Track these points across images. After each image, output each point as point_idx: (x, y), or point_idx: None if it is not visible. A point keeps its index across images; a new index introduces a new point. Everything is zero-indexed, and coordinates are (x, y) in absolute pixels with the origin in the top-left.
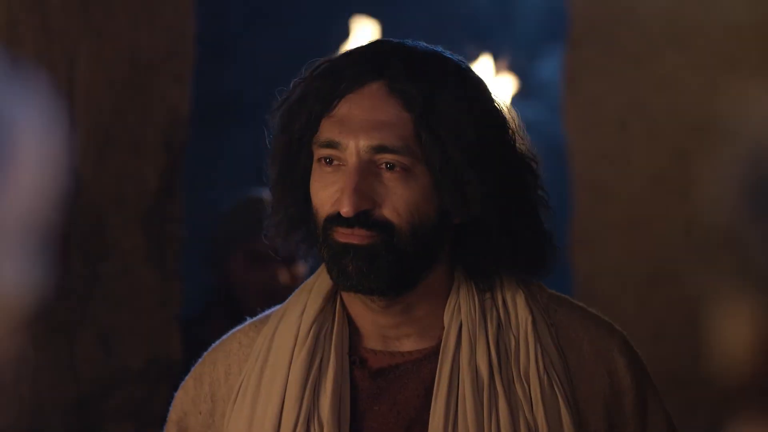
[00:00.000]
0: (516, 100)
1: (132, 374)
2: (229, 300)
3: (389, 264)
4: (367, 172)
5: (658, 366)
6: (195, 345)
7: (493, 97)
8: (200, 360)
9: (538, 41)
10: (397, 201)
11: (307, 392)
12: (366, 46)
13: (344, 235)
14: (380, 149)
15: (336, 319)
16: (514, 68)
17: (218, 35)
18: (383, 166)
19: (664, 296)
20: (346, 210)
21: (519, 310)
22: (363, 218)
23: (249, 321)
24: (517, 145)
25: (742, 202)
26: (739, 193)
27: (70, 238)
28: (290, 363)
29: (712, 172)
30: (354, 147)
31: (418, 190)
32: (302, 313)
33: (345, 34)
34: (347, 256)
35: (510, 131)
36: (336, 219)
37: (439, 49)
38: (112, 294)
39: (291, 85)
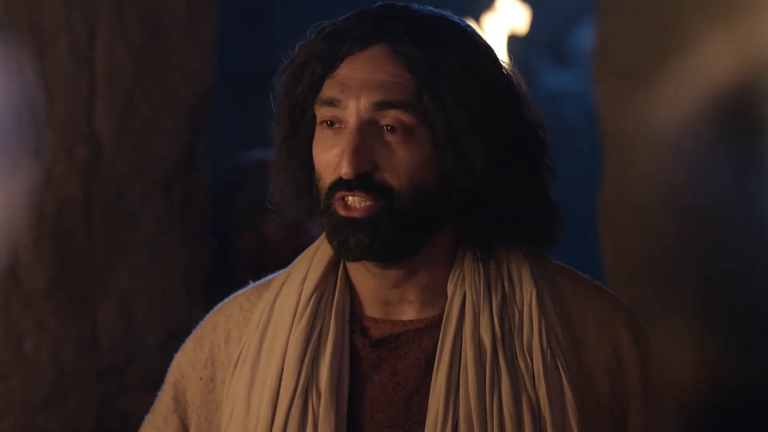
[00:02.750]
0: (553, 69)
1: (154, 345)
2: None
3: (391, 232)
4: (368, 133)
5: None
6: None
7: (501, 63)
8: (201, 323)
9: (574, 11)
10: (398, 164)
11: (306, 361)
12: (370, 9)
13: (345, 207)
14: (382, 105)
15: (338, 286)
16: (550, 38)
17: (252, 5)
18: (384, 128)
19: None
20: (345, 171)
21: (524, 282)
22: (363, 181)
23: (251, 285)
24: (525, 112)
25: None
26: None
27: (91, 207)
28: (290, 331)
29: None
30: (354, 106)
31: (420, 154)
32: (304, 280)
33: (375, 2)
34: (349, 229)
35: (517, 98)
36: (338, 184)
37: (447, 13)
38: (134, 264)
39: (296, 49)
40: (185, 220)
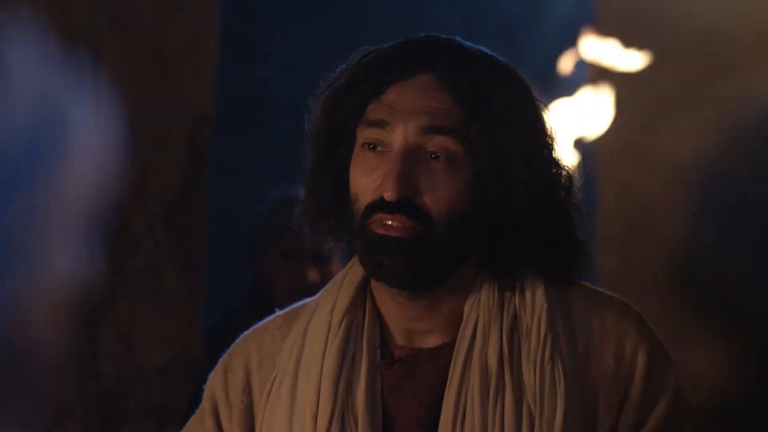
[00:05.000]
0: (543, 99)
1: (153, 371)
2: (262, 298)
3: (425, 258)
4: (413, 158)
5: (682, 372)
6: (227, 342)
7: (536, 100)
8: (229, 350)
9: (565, 41)
10: (439, 191)
11: (341, 387)
12: (416, 38)
13: (383, 226)
14: (430, 129)
15: (367, 313)
16: (541, 68)
17: (245, 33)
18: (429, 155)
19: (691, 300)
20: (389, 194)
21: (537, 297)
22: (405, 205)
23: (279, 313)
24: (555, 148)
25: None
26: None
27: (93, 234)
28: (323, 358)
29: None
30: (402, 129)
31: (461, 182)
32: (333, 308)
33: (372, 33)
34: (384, 249)
35: (550, 134)
36: (378, 205)
37: (485, 48)
38: (135, 290)
39: (337, 71)
40: (186, 248)
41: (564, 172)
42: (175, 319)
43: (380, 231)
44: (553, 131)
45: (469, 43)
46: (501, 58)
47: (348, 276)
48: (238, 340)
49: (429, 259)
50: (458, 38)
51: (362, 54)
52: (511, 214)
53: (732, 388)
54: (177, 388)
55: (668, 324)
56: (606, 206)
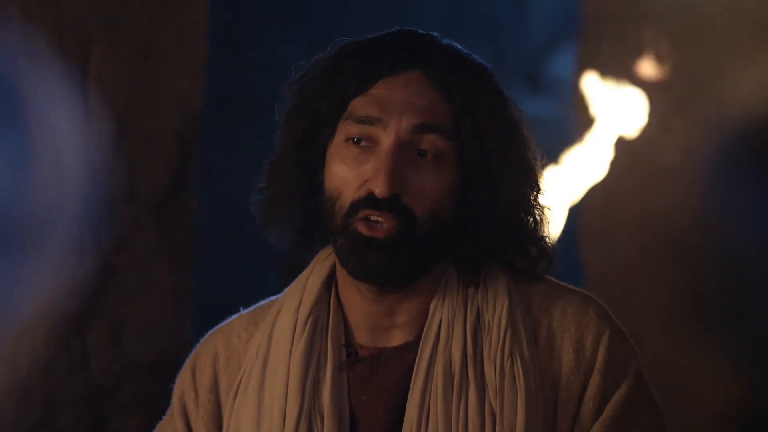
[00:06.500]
0: (530, 97)
1: (143, 367)
2: None
3: (407, 257)
4: (403, 155)
5: (667, 365)
6: None
7: (507, 97)
8: (195, 350)
9: (551, 38)
10: (424, 189)
11: (308, 387)
12: (397, 33)
13: (368, 227)
14: (423, 128)
15: (331, 312)
16: (527, 65)
17: (232, 29)
18: (416, 152)
19: (674, 294)
20: (380, 190)
21: (498, 294)
22: (392, 202)
23: (243, 312)
24: (527, 143)
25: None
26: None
27: (83, 231)
28: (290, 357)
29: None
30: (395, 126)
31: (447, 181)
32: (298, 307)
33: (358, 30)
34: (369, 248)
35: (522, 129)
36: (365, 202)
37: (457, 44)
38: (124, 286)
39: (313, 62)
40: (174, 244)
41: (533, 167)
42: (164, 315)
43: (366, 232)
44: (524, 126)
45: (448, 40)
46: (474, 55)
47: (313, 273)
48: (203, 339)
49: (410, 257)
50: (435, 34)
51: (342, 46)
52: (491, 212)
53: (722, 377)
54: (166, 383)
55: (655, 318)
56: (590, 202)
